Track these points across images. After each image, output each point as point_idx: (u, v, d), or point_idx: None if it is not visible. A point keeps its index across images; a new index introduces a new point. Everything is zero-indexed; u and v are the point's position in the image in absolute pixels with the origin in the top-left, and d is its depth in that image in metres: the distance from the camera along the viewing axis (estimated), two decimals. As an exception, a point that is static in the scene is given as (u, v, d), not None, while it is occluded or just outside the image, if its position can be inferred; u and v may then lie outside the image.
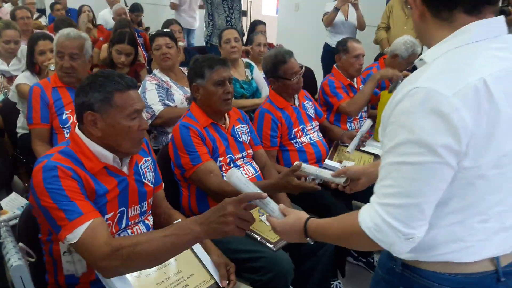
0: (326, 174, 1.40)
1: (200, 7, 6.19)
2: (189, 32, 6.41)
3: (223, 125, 1.83)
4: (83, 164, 1.22)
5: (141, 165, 1.41)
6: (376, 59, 3.74)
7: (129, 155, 1.33)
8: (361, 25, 3.93)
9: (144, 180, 1.40)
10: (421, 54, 2.80)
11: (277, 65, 2.14)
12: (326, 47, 4.09)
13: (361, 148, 2.42)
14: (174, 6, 5.57)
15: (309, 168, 1.48)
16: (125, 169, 1.33)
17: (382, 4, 4.40)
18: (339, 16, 3.87)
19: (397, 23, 3.54)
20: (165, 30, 2.95)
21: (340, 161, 2.18)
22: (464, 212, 0.88)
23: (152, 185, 1.44)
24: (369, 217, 0.86)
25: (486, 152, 0.82)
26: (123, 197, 1.31)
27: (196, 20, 6.06)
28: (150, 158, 1.47)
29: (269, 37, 4.45)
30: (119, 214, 1.30)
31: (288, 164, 2.19)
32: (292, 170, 1.49)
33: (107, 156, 1.26)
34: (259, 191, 1.07)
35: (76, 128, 1.28)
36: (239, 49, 2.90)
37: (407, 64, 2.84)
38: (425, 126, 0.79)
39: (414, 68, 3.02)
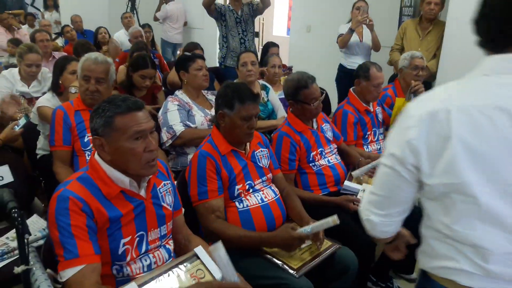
0: (319, 227, 1.62)
1: (184, 24, 6.52)
2: (174, 47, 6.65)
3: (243, 151, 1.84)
4: (100, 189, 1.25)
5: (160, 188, 1.42)
6: (391, 80, 3.75)
7: (141, 177, 1.33)
8: (376, 46, 3.96)
9: (162, 203, 1.40)
10: (421, 57, 2.95)
11: (299, 90, 2.16)
12: (341, 67, 4.11)
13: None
14: (156, 19, 6.12)
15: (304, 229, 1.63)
16: (142, 193, 1.34)
17: (395, 25, 4.44)
18: (354, 38, 3.89)
19: (411, 44, 3.56)
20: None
21: (360, 183, 2.18)
22: (446, 230, 0.96)
23: (171, 209, 1.45)
24: None
25: (437, 173, 0.92)
26: (140, 220, 1.32)
27: (182, 36, 6.33)
28: (169, 182, 1.48)
29: (281, 58, 4.50)
30: (138, 238, 1.31)
31: (306, 187, 2.19)
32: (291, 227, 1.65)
33: (123, 180, 1.29)
34: (236, 277, 1.20)
35: (96, 154, 1.31)
36: (255, 72, 2.94)
37: (414, 70, 2.91)
38: (392, 136, 1.01)
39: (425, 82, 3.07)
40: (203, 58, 2.63)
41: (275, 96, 3.03)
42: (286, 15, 7.76)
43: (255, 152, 1.89)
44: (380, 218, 1.05)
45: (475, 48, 3.37)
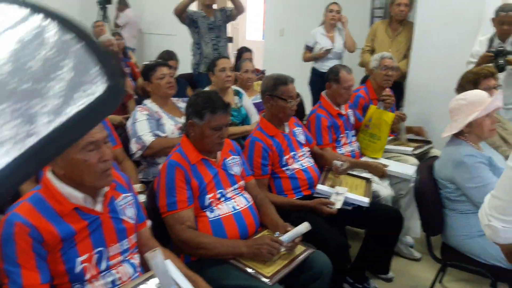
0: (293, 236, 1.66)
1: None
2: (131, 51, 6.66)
3: (214, 160, 1.81)
4: (52, 208, 1.20)
5: (119, 201, 1.37)
6: (363, 81, 3.79)
7: (98, 189, 1.29)
8: (350, 45, 4.00)
9: (122, 217, 1.36)
10: (390, 58, 2.97)
11: (278, 85, 2.16)
12: (314, 71, 4.14)
13: (354, 173, 2.42)
14: (117, 26, 6.20)
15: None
16: (99, 207, 1.29)
17: (367, 27, 4.50)
18: (326, 41, 3.94)
19: (382, 46, 3.61)
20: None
21: (333, 186, 2.18)
22: None
23: (133, 222, 1.40)
24: None
25: None
26: (97, 236, 1.27)
27: (136, 41, 6.55)
28: (130, 194, 1.43)
29: (255, 62, 4.50)
30: (96, 255, 1.26)
31: (280, 192, 2.18)
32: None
33: (77, 197, 1.24)
34: (173, 286, 1.17)
35: (48, 170, 1.26)
36: (232, 78, 2.92)
37: (384, 71, 2.93)
38: None
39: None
40: (166, 65, 2.57)
41: (248, 102, 3.02)
42: (261, 19, 7.79)
43: (226, 160, 1.87)
44: (504, 224, 1.03)
45: (443, 47, 3.45)
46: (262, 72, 4.20)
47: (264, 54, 6.12)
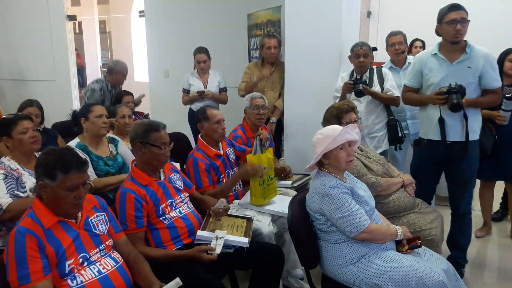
0: None
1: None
2: None
3: (73, 221, 1.65)
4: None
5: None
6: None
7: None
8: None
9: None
10: (260, 97, 3.13)
11: (150, 132, 2.08)
12: (191, 111, 4.22)
13: (237, 214, 2.42)
14: None
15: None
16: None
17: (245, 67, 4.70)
18: (199, 85, 4.04)
19: (259, 85, 3.77)
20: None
21: (213, 231, 2.13)
22: None
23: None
24: None
25: None
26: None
27: None
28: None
29: (143, 103, 4.38)
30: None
31: (159, 244, 2.06)
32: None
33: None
34: None
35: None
36: (108, 125, 2.77)
37: (255, 110, 3.09)
38: None
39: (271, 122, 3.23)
40: (28, 118, 2.35)
41: (125, 149, 2.87)
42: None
43: (90, 219, 1.71)
44: None
45: (311, 84, 3.66)
46: (146, 116, 4.08)
47: (150, 95, 5.99)
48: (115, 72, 4.06)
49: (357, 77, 3.06)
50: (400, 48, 3.48)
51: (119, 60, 4.35)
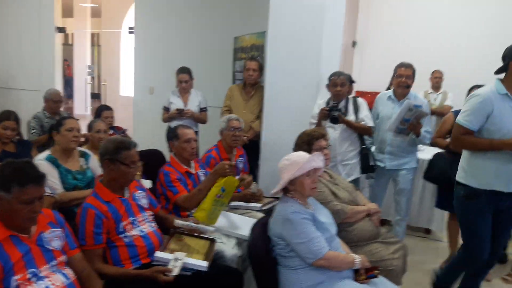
0: None
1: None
2: None
3: (26, 236, 1.63)
4: None
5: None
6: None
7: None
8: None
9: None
10: (237, 119, 3.16)
11: (120, 149, 2.08)
12: (170, 129, 4.22)
13: (199, 234, 2.40)
14: None
15: None
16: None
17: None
18: (179, 103, 4.08)
19: (237, 107, 3.83)
20: None
21: (173, 252, 2.11)
22: None
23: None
24: None
25: None
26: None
27: None
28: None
29: (127, 118, 4.40)
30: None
31: (117, 262, 2.04)
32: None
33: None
34: None
35: None
36: (78, 139, 2.77)
37: (231, 131, 3.13)
38: None
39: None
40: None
41: (97, 164, 2.86)
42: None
43: (44, 234, 1.69)
44: None
45: (290, 108, 3.69)
46: (123, 131, 4.09)
47: (134, 110, 6.02)
48: (45, 100, 4.09)
49: (333, 104, 3.12)
50: (406, 81, 3.20)
51: (52, 88, 4.51)
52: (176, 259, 2.02)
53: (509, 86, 2.27)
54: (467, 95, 3.59)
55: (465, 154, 2.43)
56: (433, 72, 5.53)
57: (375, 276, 2.00)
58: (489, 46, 5.03)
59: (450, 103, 5.36)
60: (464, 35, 5.83)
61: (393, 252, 2.37)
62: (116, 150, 2.10)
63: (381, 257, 2.31)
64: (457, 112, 2.71)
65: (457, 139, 2.39)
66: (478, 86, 2.76)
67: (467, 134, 2.32)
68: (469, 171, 2.38)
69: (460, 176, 2.44)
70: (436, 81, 5.52)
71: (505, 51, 2.29)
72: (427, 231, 4.10)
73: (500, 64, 2.34)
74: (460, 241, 3.56)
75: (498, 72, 2.33)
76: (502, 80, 2.31)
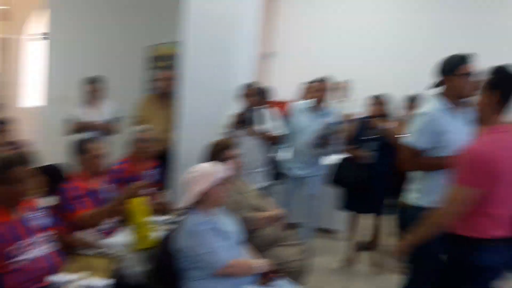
0: None
1: None
2: None
3: None
4: None
5: None
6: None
7: None
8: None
9: None
10: (147, 130, 3.09)
11: (5, 169, 1.93)
12: (76, 142, 4.03)
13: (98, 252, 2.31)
14: None
15: None
16: None
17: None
18: (88, 114, 3.92)
19: (150, 117, 3.74)
20: None
21: (71, 273, 2.01)
22: None
23: None
24: None
25: None
26: None
27: None
28: None
29: (33, 130, 4.08)
30: None
31: (6, 290, 1.89)
32: None
33: None
34: None
35: None
36: None
37: (140, 142, 3.07)
38: None
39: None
40: None
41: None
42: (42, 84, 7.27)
43: None
44: None
45: (201, 117, 3.61)
46: (17, 146, 3.78)
47: (43, 122, 5.65)
48: None
49: (243, 114, 3.20)
50: (321, 95, 3.44)
51: None
52: (72, 281, 1.93)
53: (450, 100, 2.22)
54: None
55: (417, 175, 2.31)
56: (344, 81, 5.89)
57: (277, 279, 2.08)
58: (402, 54, 5.64)
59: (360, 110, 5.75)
60: (377, 45, 6.26)
61: (296, 254, 2.48)
62: (4, 168, 1.95)
63: (285, 260, 2.41)
64: (361, 119, 3.04)
65: (409, 161, 2.27)
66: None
67: (417, 155, 2.22)
68: (425, 191, 2.23)
69: (413, 198, 2.30)
70: (347, 89, 5.89)
71: (440, 65, 2.24)
72: (329, 231, 4.33)
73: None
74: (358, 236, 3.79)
75: (432, 87, 2.30)
76: (441, 95, 2.25)
